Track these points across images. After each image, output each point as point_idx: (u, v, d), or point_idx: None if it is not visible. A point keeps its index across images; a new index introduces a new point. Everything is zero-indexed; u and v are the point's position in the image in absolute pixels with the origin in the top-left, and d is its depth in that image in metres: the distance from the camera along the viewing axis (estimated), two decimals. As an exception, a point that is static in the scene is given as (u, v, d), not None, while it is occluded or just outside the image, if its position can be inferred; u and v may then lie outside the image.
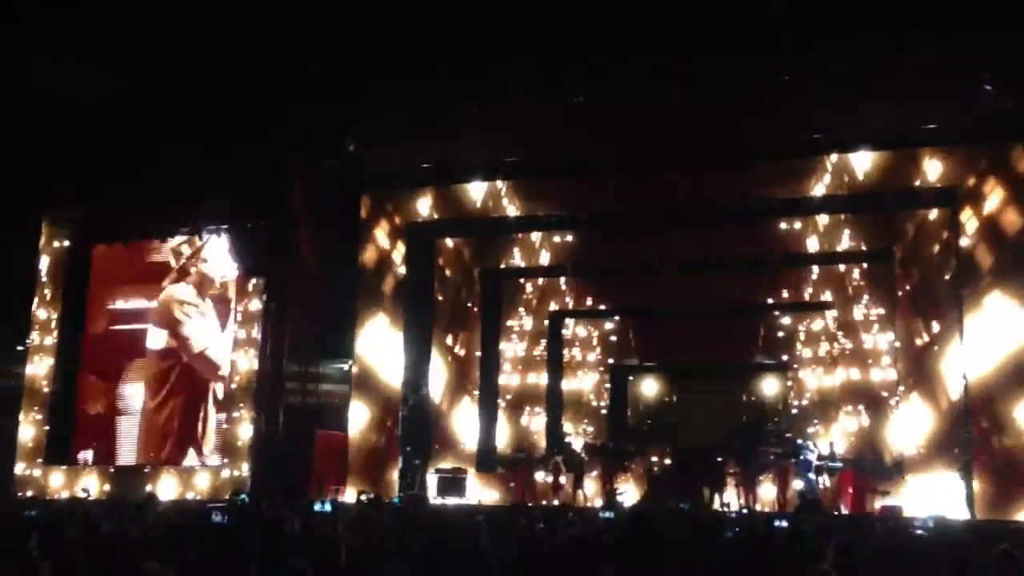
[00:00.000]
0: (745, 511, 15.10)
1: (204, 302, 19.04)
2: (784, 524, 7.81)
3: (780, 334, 21.51)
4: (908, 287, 17.95)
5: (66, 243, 20.01)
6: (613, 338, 22.23)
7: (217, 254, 18.90)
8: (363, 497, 13.18)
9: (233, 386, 18.28)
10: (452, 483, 17.93)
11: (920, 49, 13.80)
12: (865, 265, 19.64)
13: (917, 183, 16.17)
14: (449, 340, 20.15)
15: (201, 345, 18.88)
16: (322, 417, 18.46)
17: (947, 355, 16.29)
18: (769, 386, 20.82)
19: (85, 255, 20.07)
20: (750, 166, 16.74)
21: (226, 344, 18.66)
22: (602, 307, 21.42)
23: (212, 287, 18.97)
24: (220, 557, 4.61)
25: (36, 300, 19.73)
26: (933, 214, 17.15)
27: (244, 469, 17.67)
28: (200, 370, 18.76)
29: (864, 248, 18.90)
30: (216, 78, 15.61)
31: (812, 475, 15.39)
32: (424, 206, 19.06)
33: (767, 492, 17.84)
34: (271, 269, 17.84)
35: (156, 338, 19.20)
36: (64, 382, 19.54)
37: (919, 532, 7.26)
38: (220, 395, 18.58)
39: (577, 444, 19.98)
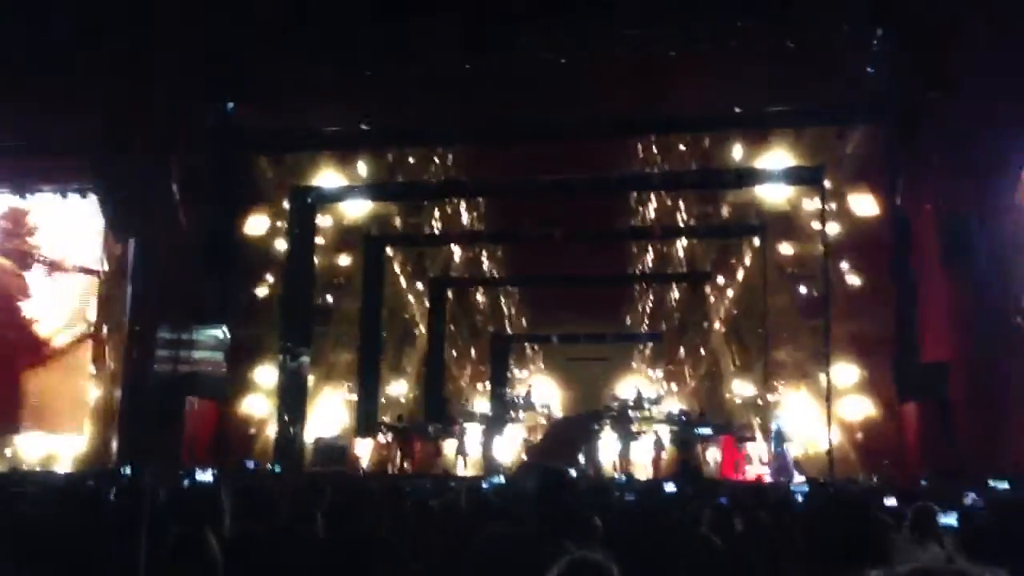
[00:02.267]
0: (623, 477, 15.49)
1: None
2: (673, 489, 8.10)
3: (658, 304, 22.09)
4: (778, 261, 18.69)
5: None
6: (494, 307, 22.38)
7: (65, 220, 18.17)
8: (247, 465, 12.92)
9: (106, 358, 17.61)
10: (332, 451, 17.73)
11: (793, 28, 14.43)
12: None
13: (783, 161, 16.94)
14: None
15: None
16: (195, 385, 17.92)
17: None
18: (646, 353, 21.39)
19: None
20: (630, 139, 17.18)
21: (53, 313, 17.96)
22: (484, 276, 21.47)
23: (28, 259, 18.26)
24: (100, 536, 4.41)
25: None
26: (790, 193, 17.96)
27: (112, 440, 17.06)
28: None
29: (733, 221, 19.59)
30: (94, 30, 14.81)
31: (784, 447, 15.63)
32: (308, 170, 18.65)
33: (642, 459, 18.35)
34: (143, 231, 17.12)
35: None
36: None
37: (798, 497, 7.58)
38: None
39: (457, 411, 20.08)
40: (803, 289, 17.50)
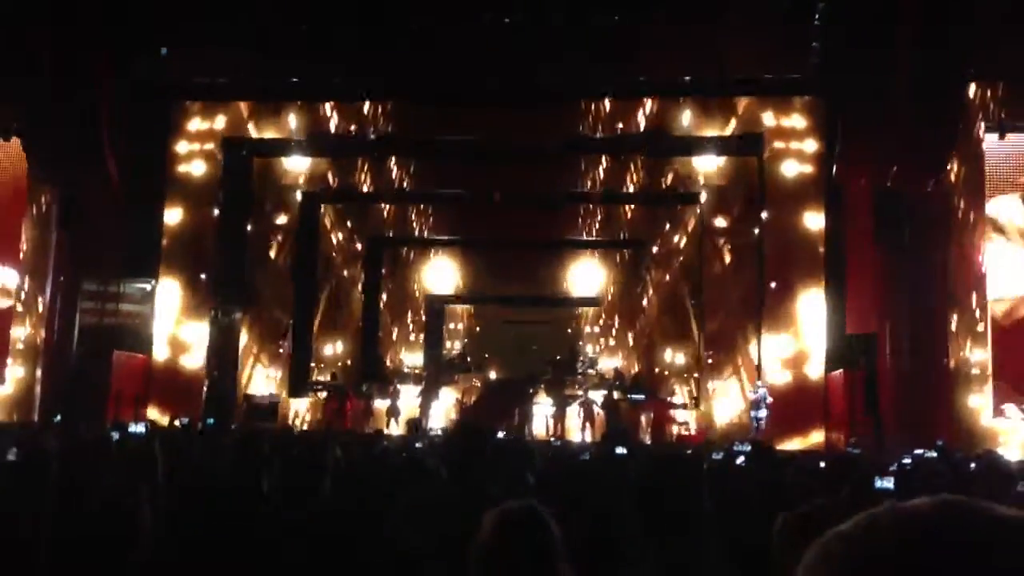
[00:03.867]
0: (556, 441, 15.60)
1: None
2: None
3: (595, 269, 22.20)
4: (714, 229, 18.93)
5: None
6: (431, 268, 22.24)
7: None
8: (177, 422, 12.69)
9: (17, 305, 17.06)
10: (263, 408, 17.53)
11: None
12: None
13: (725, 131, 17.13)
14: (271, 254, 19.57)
15: None
16: (122, 338, 17.51)
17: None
18: (580, 320, 21.55)
19: None
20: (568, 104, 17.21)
21: None
22: (422, 236, 21.30)
23: None
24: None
25: None
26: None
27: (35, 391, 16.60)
28: None
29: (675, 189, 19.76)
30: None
31: (760, 412, 15.73)
32: (241, 121, 18.21)
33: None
34: (69, 178, 16.54)
35: None
36: None
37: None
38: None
39: (390, 371, 19.99)
40: (736, 259, 17.75)
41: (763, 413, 15.62)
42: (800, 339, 16.34)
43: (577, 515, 3.82)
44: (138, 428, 7.26)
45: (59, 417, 11.15)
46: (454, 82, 16.55)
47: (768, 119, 16.79)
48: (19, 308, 17.24)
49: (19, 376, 16.97)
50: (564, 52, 15.79)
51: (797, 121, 16.61)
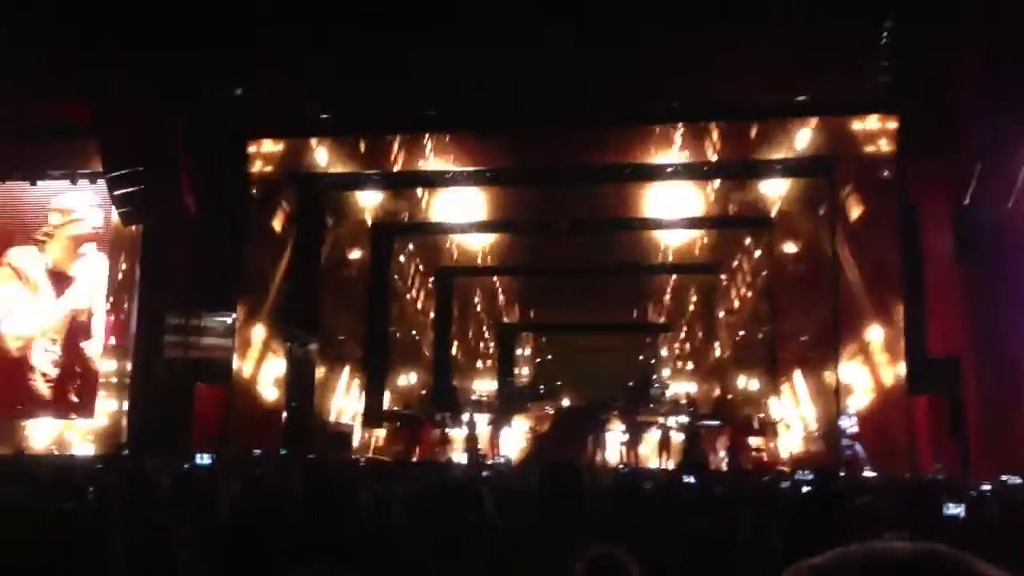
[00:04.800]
0: (625, 468, 15.44)
1: (37, 274, 18.37)
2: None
3: (667, 296, 22.00)
4: (787, 253, 18.59)
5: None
6: (502, 297, 22.31)
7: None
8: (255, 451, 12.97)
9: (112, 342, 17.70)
10: (336, 438, 17.75)
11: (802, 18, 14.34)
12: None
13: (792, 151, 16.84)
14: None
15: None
16: (203, 371, 17.97)
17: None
18: (653, 347, 21.32)
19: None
20: (642, 127, 17.12)
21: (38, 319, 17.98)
22: (491, 265, 21.37)
23: (70, 259, 18.29)
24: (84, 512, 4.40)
25: None
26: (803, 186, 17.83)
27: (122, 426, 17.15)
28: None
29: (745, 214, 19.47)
30: (98, 18, 14.79)
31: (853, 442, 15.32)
32: (315, 156, 18.63)
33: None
34: (149, 215, 17.12)
35: None
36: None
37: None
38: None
39: (464, 401, 20.06)
40: (812, 282, 17.38)
41: (858, 445, 15.09)
42: (880, 364, 15.85)
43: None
44: (204, 460, 7.42)
45: (126, 451, 11.49)
46: (521, 109, 16.64)
47: (838, 141, 16.44)
48: (111, 341, 17.85)
49: (111, 409, 17.52)
50: (633, 76, 15.76)
51: (868, 142, 16.22)
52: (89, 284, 18.27)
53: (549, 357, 21.15)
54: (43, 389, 18.12)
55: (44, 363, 18.14)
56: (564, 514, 3.72)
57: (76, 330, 18.23)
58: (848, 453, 14.96)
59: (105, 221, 18.30)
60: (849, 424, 15.20)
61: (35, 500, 5.69)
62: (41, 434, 17.57)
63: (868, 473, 14.29)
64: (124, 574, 3.71)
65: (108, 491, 4.46)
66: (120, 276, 18.05)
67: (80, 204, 18.55)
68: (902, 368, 15.58)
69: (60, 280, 18.39)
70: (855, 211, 16.31)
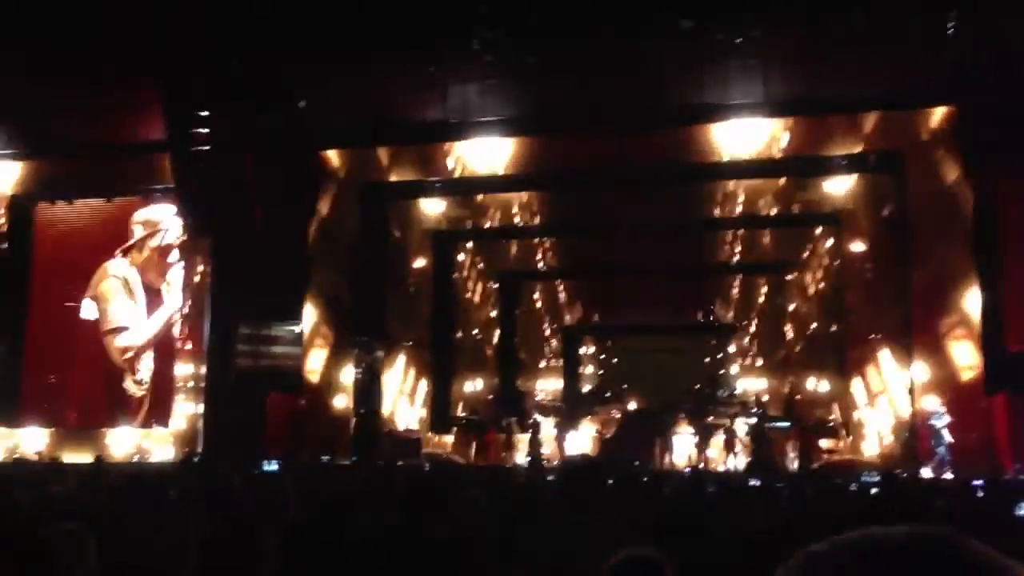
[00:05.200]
0: (689, 470, 15.29)
1: (138, 284, 18.96)
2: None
3: (733, 296, 21.74)
4: (856, 251, 18.23)
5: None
6: (565, 299, 22.27)
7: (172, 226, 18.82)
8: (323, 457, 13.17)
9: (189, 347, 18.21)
10: (405, 444, 17.91)
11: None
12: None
13: (859, 147, 16.50)
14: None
15: (114, 323, 18.75)
16: (273, 380, 18.32)
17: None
18: (719, 347, 21.09)
19: (26, 214, 19.69)
20: (703, 126, 16.96)
21: (144, 330, 18.48)
22: (555, 268, 21.38)
23: (158, 270, 18.84)
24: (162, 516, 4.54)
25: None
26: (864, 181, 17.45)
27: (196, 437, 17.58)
28: (107, 348, 18.67)
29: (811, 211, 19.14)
30: (160, 27, 15.22)
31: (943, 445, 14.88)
32: (377, 165, 18.87)
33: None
34: (219, 227, 17.55)
35: (89, 309, 19.04)
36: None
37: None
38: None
39: (530, 405, 20.08)
40: (882, 279, 17.00)
41: (943, 446, 14.66)
42: (955, 360, 15.42)
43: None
44: (271, 467, 7.56)
45: (197, 458, 11.83)
46: (583, 109, 16.62)
47: (906, 135, 16.06)
48: (188, 347, 18.34)
49: (188, 413, 17.97)
50: (693, 73, 15.65)
51: (938, 135, 15.78)
52: (177, 294, 18.84)
53: (615, 360, 21.02)
54: (136, 398, 18.74)
55: (145, 373, 18.78)
56: (587, 511, 3.73)
57: (168, 340, 18.82)
58: (940, 457, 14.46)
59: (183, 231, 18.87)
60: (942, 424, 14.72)
61: (114, 504, 5.89)
62: (123, 442, 18.09)
63: (948, 475, 13.91)
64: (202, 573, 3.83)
65: (183, 495, 4.59)
66: (194, 282, 18.51)
67: (163, 215, 19.13)
68: (979, 365, 15.15)
69: (152, 291, 18.99)
70: (925, 205, 15.91)
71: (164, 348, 18.78)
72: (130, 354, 18.63)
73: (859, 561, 0.76)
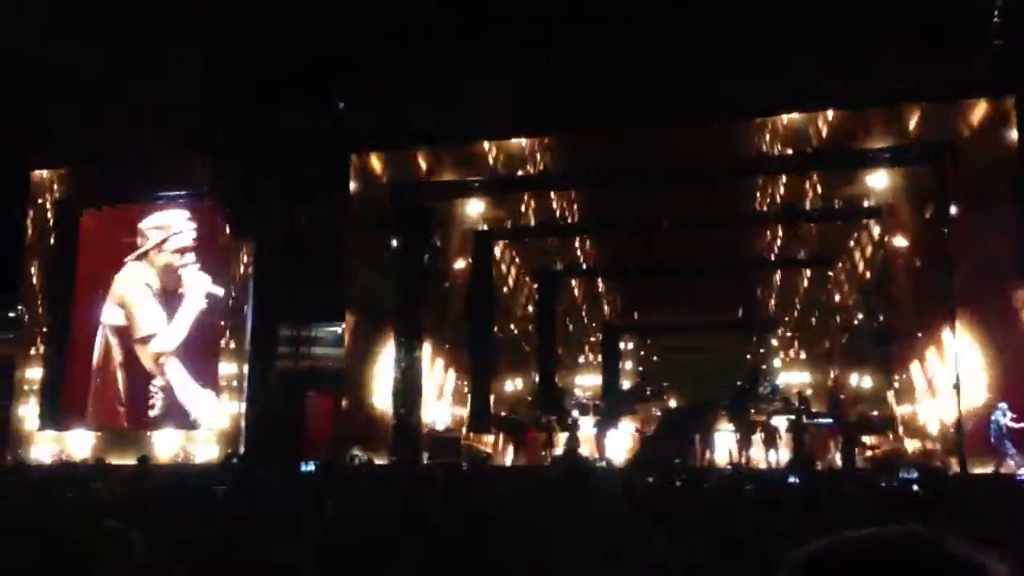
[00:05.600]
0: (730, 468, 15.17)
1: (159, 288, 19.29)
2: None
3: (773, 292, 21.50)
4: (899, 244, 17.96)
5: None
6: (604, 297, 22.20)
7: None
8: (356, 453, 13.26)
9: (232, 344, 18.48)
10: (445, 444, 17.99)
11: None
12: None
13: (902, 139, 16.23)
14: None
15: (146, 330, 19.06)
16: (314, 380, 18.54)
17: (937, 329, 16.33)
18: (760, 343, 20.90)
19: (72, 220, 20.11)
20: (740, 122, 16.83)
21: (173, 334, 18.82)
22: (594, 265, 21.32)
23: (175, 274, 19.17)
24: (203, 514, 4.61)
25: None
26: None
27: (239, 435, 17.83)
28: (139, 355, 19.00)
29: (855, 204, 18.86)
30: (199, 36, 15.45)
31: (1005, 439, 14.42)
32: (415, 165, 18.93)
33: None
34: (260, 230, 17.78)
35: (112, 314, 19.42)
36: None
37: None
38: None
39: (569, 403, 20.05)
40: (925, 273, 16.71)
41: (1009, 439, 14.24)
42: (1001, 356, 15.12)
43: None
44: (309, 467, 7.64)
45: (235, 459, 12.01)
46: (622, 106, 16.54)
47: (949, 127, 15.76)
48: (232, 345, 18.60)
49: (232, 412, 18.22)
50: (731, 68, 15.52)
51: (981, 126, 15.48)
52: (196, 297, 19.08)
53: (655, 357, 20.93)
54: (167, 401, 19.02)
55: (175, 376, 19.05)
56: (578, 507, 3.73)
57: (196, 344, 19.06)
58: (1007, 449, 14.10)
59: (199, 234, 19.12)
60: (1006, 419, 14.37)
61: (157, 503, 6.00)
62: (168, 444, 18.38)
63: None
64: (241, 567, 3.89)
65: (223, 493, 4.66)
66: (235, 282, 18.77)
67: (175, 219, 19.42)
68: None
69: (169, 296, 19.29)
70: (967, 196, 15.61)
71: (196, 351, 19.05)
72: (163, 360, 18.96)
73: (831, 562, 0.79)
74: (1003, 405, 14.47)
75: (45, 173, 20.15)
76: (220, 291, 18.85)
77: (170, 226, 19.48)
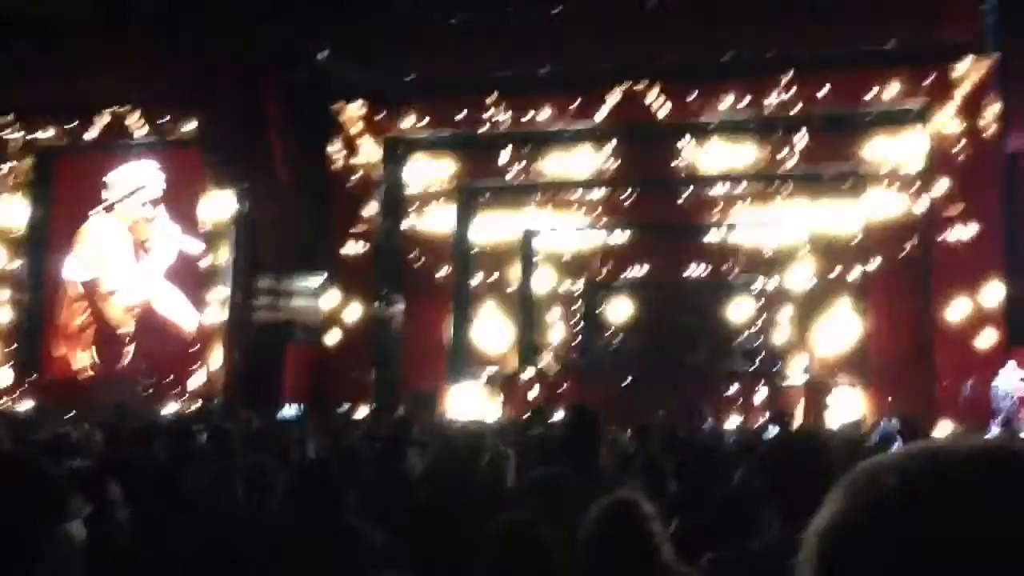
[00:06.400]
0: (708, 424, 15.28)
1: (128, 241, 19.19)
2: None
3: (756, 252, 21.35)
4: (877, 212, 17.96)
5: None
6: (584, 255, 22.05)
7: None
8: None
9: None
10: (422, 398, 18.03)
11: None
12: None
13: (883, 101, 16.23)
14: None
15: (111, 284, 19.01)
16: (294, 332, 18.52)
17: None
18: (741, 305, 20.85)
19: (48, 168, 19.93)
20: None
21: (143, 286, 18.81)
22: (574, 225, 21.20)
23: (143, 226, 19.05)
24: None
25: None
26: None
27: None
28: (107, 309, 18.94)
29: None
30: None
31: (1006, 404, 14.31)
32: (404, 119, 18.77)
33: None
34: (241, 180, 17.64)
35: (75, 268, 19.47)
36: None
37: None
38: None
39: (546, 361, 20.03)
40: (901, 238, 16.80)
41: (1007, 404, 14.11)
42: (979, 322, 15.30)
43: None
44: (291, 412, 7.64)
45: (223, 407, 12.06)
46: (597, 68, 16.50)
47: (933, 88, 15.75)
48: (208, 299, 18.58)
49: (210, 362, 18.24)
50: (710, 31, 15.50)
51: (964, 88, 15.48)
52: (167, 250, 19.01)
53: (633, 315, 20.91)
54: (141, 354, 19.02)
55: (147, 330, 19.04)
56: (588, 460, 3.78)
57: (163, 297, 19.06)
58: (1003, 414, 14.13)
59: (171, 185, 18.98)
60: (1001, 388, 14.27)
61: (133, 449, 6.01)
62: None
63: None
64: (210, 513, 3.91)
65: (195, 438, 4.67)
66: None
67: (143, 171, 19.28)
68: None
69: (139, 248, 19.22)
70: (948, 163, 15.68)
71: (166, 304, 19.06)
72: (134, 312, 18.95)
73: (924, 471, 0.74)
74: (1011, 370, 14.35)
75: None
76: (194, 242, 18.75)
77: (139, 177, 19.34)
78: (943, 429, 14.04)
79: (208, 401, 16.31)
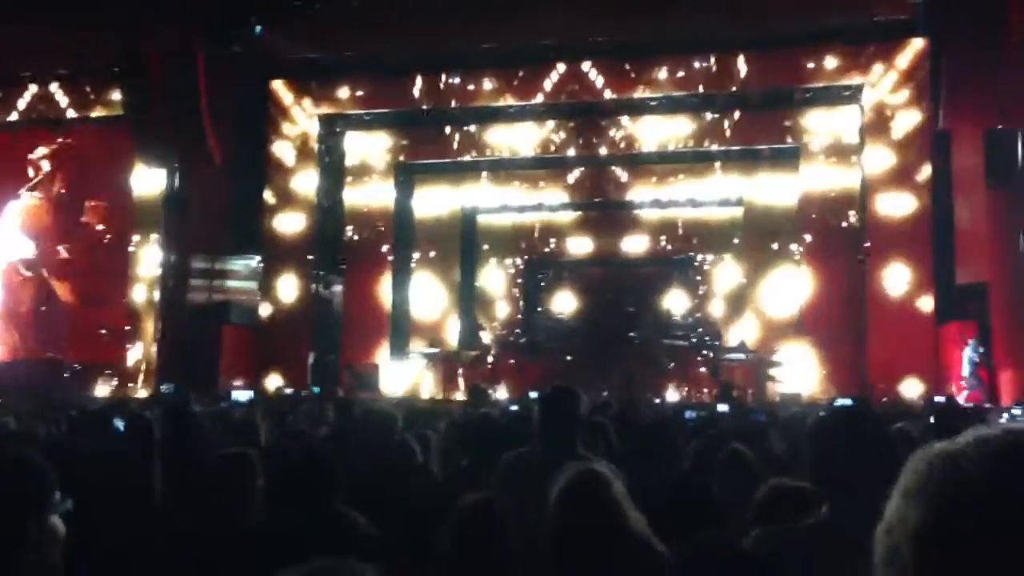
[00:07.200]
0: (657, 400, 15.47)
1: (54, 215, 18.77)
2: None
3: (694, 228, 21.60)
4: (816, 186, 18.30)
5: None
6: (525, 231, 22.07)
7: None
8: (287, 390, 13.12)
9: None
10: (364, 377, 17.87)
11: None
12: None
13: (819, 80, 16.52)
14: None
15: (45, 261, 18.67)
16: (229, 313, 18.17)
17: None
18: (681, 279, 21.07)
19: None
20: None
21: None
22: (516, 203, 21.19)
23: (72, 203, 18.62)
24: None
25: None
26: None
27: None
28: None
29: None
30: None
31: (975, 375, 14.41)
32: (341, 96, 18.54)
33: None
34: (173, 158, 17.17)
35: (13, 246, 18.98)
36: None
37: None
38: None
39: (487, 338, 20.01)
40: (838, 212, 17.19)
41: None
42: (908, 292, 15.81)
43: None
44: (242, 397, 7.50)
45: (168, 390, 11.77)
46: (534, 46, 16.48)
47: (866, 68, 16.10)
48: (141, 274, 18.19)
49: (140, 348, 17.82)
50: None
51: (897, 67, 15.90)
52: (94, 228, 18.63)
53: (574, 291, 21.00)
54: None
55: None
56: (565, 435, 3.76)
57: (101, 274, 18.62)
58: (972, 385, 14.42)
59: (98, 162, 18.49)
60: (974, 358, 14.41)
61: (70, 437, 5.80)
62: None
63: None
64: (171, 505, 3.78)
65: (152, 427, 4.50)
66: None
67: (69, 149, 18.90)
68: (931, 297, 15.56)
69: (68, 225, 18.85)
70: (881, 139, 16.08)
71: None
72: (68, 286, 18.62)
73: (1002, 457, 0.73)
74: (977, 345, 14.51)
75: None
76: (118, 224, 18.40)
77: (64, 154, 18.84)
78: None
79: (163, 384, 15.93)
